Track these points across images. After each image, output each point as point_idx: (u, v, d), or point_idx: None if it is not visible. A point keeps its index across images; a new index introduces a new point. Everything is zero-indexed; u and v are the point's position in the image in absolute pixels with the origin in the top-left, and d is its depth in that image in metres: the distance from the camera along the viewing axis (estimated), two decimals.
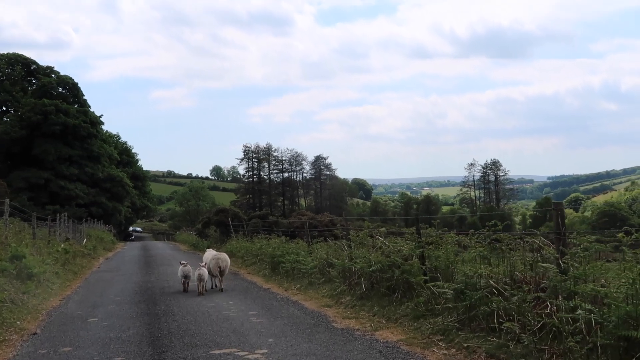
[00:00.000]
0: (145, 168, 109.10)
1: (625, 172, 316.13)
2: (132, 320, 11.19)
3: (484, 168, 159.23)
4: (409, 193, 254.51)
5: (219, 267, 15.47)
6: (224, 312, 11.76)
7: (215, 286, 15.79)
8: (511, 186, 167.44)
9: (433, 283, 9.87)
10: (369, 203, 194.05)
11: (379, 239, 13.21)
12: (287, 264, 17.62)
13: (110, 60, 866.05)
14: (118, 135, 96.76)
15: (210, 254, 16.44)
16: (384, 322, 10.14)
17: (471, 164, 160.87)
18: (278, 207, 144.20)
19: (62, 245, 25.27)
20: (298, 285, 15.60)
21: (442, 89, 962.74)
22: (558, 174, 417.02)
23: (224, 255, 16.10)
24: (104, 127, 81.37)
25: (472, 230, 10.18)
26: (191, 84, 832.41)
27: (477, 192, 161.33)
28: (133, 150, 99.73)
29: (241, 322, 10.57)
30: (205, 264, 15.50)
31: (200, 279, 14.68)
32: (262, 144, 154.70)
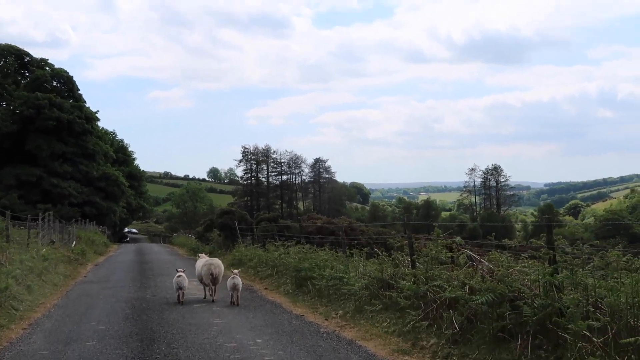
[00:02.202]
0: (142, 169, 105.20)
1: (623, 179, 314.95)
2: None
3: (485, 173, 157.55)
4: (406, 198, 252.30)
5: (212, 275, 13.97)
6: None
7: (211, 295, 14.22)
8: (512, 192, 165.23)
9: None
10: (367, 207, 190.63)
11: (467, 254, 9.47)
12: (320, 281, 13.85)
13: (108, 59, 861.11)
14: (114, 133, 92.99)
15: (202, 260, 14.96)
16: None
17: (472, 169, 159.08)
18: (276, 210, 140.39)
19: (43, 250, 21.52)
20: (340, 312, 11.82)
21: (439, 94, 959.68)
22: (555, 180, 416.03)
23: (217, 261, 14.51)
24: (100, 124, 77.63)
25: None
26: (189, 84, 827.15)
27: (476, 197, 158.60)
28: (130, 149, 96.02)
29: None
30: (184, 271, 14.21)
31: (179, 286, 13.68)
32: (261, 146, 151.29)
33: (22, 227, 26.90)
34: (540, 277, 7.51)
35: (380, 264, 12.48)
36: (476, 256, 9.50)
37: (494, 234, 10.69)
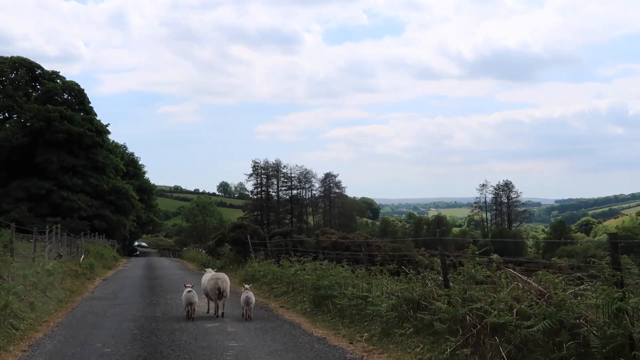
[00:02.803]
0: (152, 182, 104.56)
1: (634, 196, 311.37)
2: None
3: (496, 189, 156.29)
4: (416, 213, 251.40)
5: (218, 289, 13.67)
6: None
7: (215, 312, 14.06)
8: (524, 208, 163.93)
9: None
10: (377, 223, 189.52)
11: (511, 273, 8.53)
12: (342, 300, 12.92)
13: (119, 74, 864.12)
14: (125, 146, 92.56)
15: (208, 274, 14.76)
16: None
17: (483, 185, 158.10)
18: (285, 225, 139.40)
19: (50, 264, 20.71)
20: (366, 335, 10.88)
21: (449, 110, 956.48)
22: (565, 197, 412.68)
23: (224, 276, 14.27)
24: (110, 137, 77.13)
25: None
26: (198, 99, 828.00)
27: (486, 213, 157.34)
28: (140, 162, 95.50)
29: None
30: (193, 286, 13.93)
31: (189, 302, 13.37)
32: (271, 160, 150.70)
33: (29, 241, 26.17)
34: (606, 302, 6.56)
35: (408, 282, 11.55)
36: (521, 276, 8.58)
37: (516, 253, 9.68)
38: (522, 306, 7.50)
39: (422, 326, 9.88)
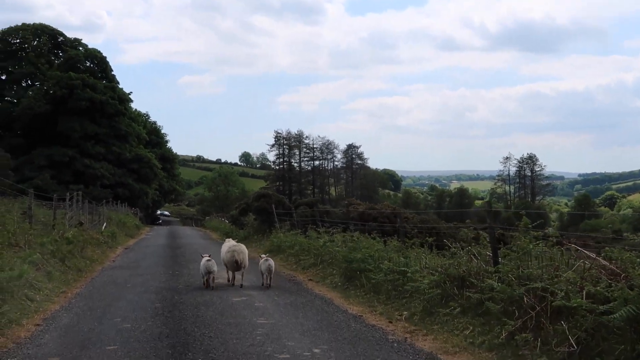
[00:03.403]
0: (174, 152, 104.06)
1: None
2: None
3: (519, 162, 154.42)
4: (438, 186, 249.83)
5: (236, 262, 13.43)
6: None
7: (232, 281, 13.78)
8: (547, 182, 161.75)
9: None
10: (399, 194, 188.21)
11: (575, 249, 7.57)
12: (377, 275, 12.06)
13: (141, 44, 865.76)
14: (147, 115, 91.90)
15: (227, 245, 14.49)
16: None
17: (507, 158, 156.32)
18: (307, 196, 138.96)
19: (70, 232, 20.10)
20: (405, 313, 10.03)
21: (471, 83, 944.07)
22: (589, 171, 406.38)
23: (241, 247, 13.95)
24: (133, 106, 76.50)
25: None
26: (220, 70, 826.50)
27: (510, 186, 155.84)
28: (162, 131, 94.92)
29: None
30: (211, 256, 13.76)
31: (209, 270, 13.08)
32: (294, 131, 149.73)
33: (50, 208, 25.62)
34: None
35: (452, 257, 10.63)
36: (589, 253, 7.63)
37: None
38: (599, 288, 6.56)
39: (469, 306, 8.99)
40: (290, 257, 19.26)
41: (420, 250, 12.53)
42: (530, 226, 9.12)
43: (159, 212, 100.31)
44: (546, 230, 9.11)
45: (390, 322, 9.66)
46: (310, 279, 15.25)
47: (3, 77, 68.57)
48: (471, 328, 8.27)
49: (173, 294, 12.41)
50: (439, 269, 10.24)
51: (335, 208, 31.77)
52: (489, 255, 9.63)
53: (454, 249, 10.69)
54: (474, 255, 10.00)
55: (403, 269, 11.39)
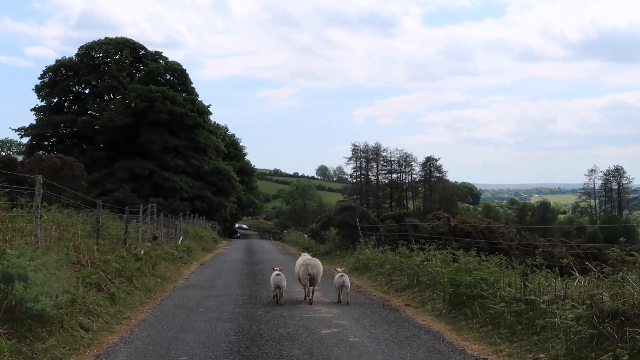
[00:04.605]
0: (252, 165, 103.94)
1: None
2: None
3: (605, 175, 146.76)
4: (518, 199, 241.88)
5: (309, 275, 13.22)
6: None
7: (310, 297, 13.33)
8: (635, 195, 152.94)
9: None
10: (478, 208, 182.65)
11: None
12: (496, 304, 9.83)
13: (221, 59, 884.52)
14: (226, 127, 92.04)
15: (301, 259, 14.21)
16: None
17: (592, 170, 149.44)
18: (385, 209, 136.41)
19: (142, 247, 18.75)
20: (542, 356, 7.80)
21: (552, 93, 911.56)
22: None
23: (316, 261, 13.71)
24: (211, 118, 76.49)
25: None
26: (297, 83, 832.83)
27: (595, 200, 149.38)
28: (241, 144, 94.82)
29: None
30: (281, 269, 13.62)
31: (277, 285, 12.94)
32: (371, 144, 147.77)
33: (115, 220, 24.48)
34: None
35: (598, 285, 8.29)
36: None
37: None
38: None
39: (636, 351, 6.71)
40: (379, 277, 17.19)
41: (550, 274, 10.18)
42: None
43: (237, 225, 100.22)
44: None
45: None
46: (407, 304, 13.12)
47: (87, 91, 69.75)
48: None
49: (251, 322, 10.55)
50: (587, 301, 7.93)
51: (422, 222, 29.44)
52: None
53: (601, 274, 8.32)
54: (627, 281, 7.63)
55: (531, 297, 9.11)
